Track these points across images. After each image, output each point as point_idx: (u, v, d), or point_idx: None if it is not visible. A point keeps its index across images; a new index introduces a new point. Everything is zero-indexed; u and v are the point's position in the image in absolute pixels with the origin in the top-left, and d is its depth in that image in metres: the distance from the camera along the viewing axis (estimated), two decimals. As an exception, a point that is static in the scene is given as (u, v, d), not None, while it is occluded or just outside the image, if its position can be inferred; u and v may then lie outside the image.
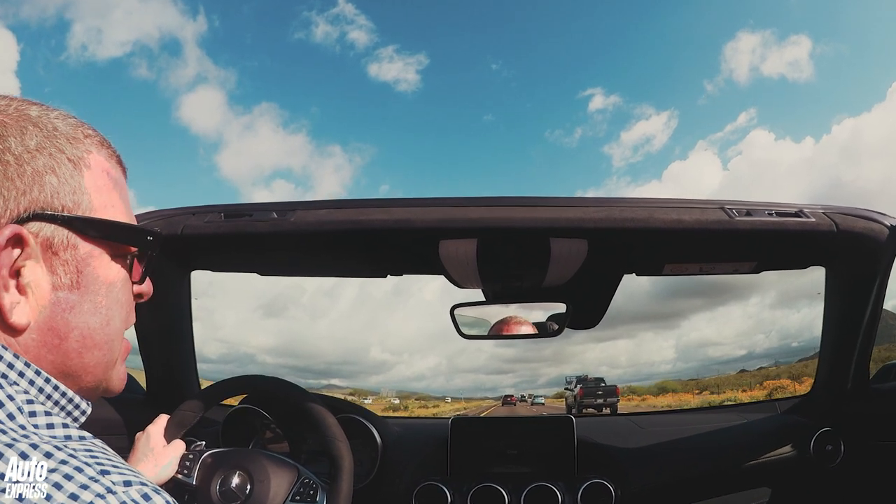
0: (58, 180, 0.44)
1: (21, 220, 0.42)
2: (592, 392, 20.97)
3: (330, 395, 1.39)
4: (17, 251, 0.42)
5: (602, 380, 23.70)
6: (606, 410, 19.47)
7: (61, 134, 0.46)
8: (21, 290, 0.43)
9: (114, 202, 0.49)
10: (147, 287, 0.54)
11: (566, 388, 24.73)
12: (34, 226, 0.43)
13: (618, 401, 20.83)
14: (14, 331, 0.43)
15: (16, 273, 0.42)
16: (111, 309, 0.48)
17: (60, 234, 0.44)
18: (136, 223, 0.51)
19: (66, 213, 0.44)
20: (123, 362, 0.53)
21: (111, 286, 0.48)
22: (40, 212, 0.43)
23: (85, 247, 0.46)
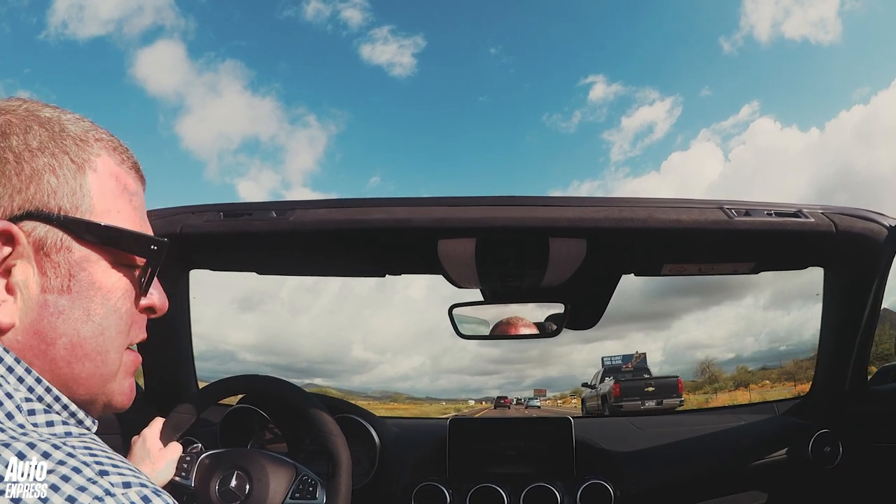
0: (57, 180, 0.43)
1: (14, 219, 0.41)
2: (638, 388, 12.81)
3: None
4: (7, 249, 0.41)
5: (647, 369, 15.43)
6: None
7: (68, 135, 0.45)
8: (9, 289, 0.42)
9: (120, 208, 0.47)
10: (160, 301, 0.52)
11: (585, 385, 16.30)
12: (28, 225, 0.42)
13: (681, 402, 12.64)
14: None
15: (6, 272, 0.42)
16: (106, 318, 0.46)
17: (54, 235, 0.43)
18: (148, 232, 0.50)
19: (61, 214, 0.43)
20: (130, 376, 0.51)
21: (108, 294, 0.46)
22: (34, 211, 0.42)
23: (80, 251, 0.44)
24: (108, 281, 0.46)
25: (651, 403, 12.33)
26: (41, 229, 0.43)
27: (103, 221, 0.45)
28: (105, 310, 0.46)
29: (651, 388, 12.80)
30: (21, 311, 0.42)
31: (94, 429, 0.47)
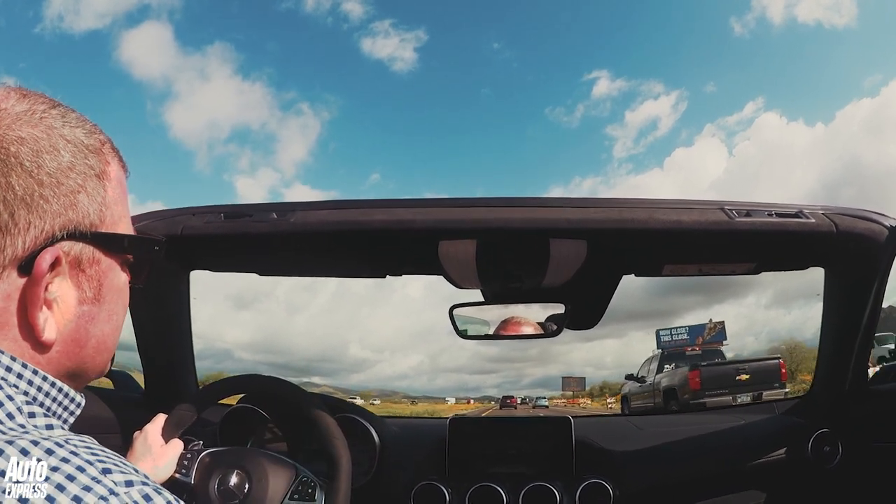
0: (87, 198, 0.45)
1: (55, 240, 0.43)
2: (727, 377, 9.16)
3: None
4: (51, 271, 0.43)
5: (720, 351, 11.40)
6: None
7: (86, 146, 0.46)
8: (49, 306, 0.44)
9: (125, 212, 0.50)
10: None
11: (630, 377, 11.61)
12: (66, 245, 0.44)
13: (785, 394, 8.48)
14: (44, 347, 0.44)
15: (46, 291, 0.43)
16: (120, 314, 0.51)
17: (87, 251, 0.45)
18: (132, 226, 0.52)
19: (94, 231, 0.45)
20: None
21: (121, 293, 0.50)
22: (73, 231, 0.44)
23: (106, 261, 0.47)
24: (121, 282, 0.50)
25: (745, 398, 8.48)
26: (77, 247, 0.45)
27: (120, 230, 0.48)
28: (120, 307, 0.50)
29: (745, 376, 9.05)
30: (60, 324, 0.45)
31: (84, 402, 0.49)
